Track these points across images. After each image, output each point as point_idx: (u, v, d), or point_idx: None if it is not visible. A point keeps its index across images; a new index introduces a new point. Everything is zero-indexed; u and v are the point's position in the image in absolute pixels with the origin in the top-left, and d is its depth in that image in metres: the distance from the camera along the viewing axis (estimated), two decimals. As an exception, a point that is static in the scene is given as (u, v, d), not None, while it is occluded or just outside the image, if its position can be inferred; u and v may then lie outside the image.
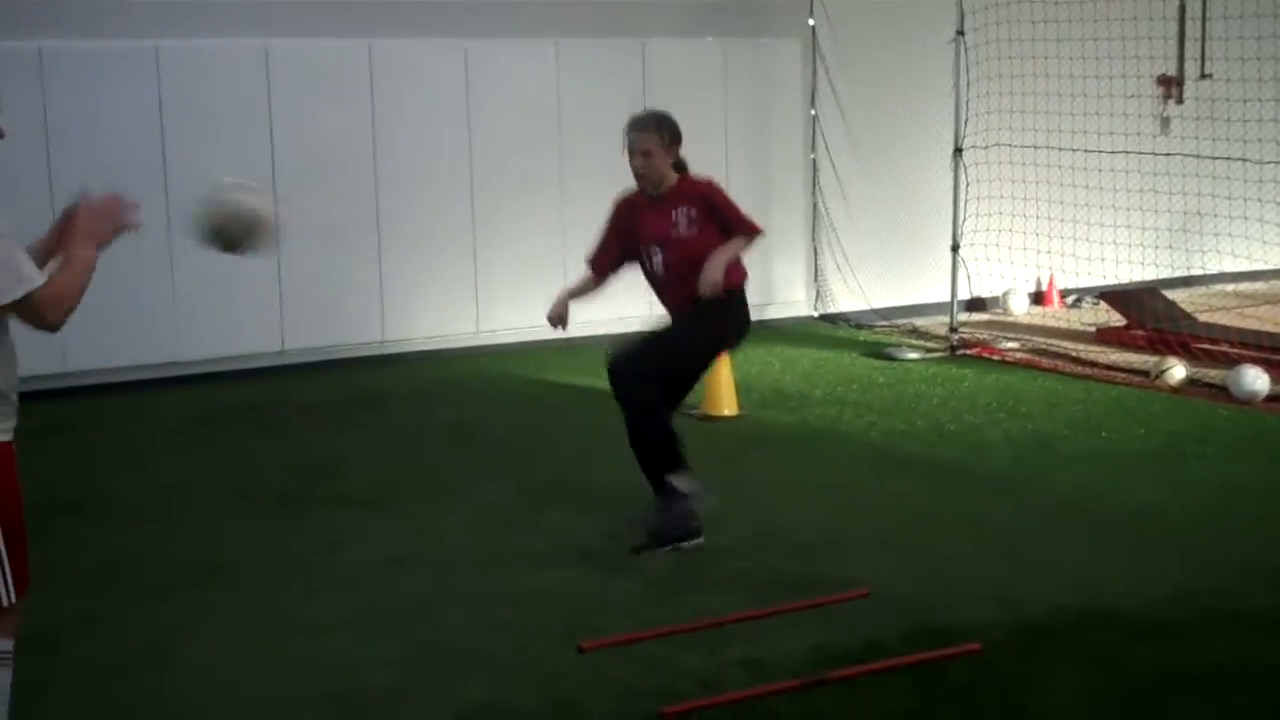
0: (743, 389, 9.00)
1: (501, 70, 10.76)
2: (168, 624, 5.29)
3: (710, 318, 5.95)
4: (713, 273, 5.77)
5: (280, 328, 10.18)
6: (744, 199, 11.71)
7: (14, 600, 3.65)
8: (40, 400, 9.25)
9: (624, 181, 11.20)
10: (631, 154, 5.97)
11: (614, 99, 11.19)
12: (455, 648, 5.04)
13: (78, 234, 3.71)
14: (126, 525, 6.60)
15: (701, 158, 11.58)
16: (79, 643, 5.12)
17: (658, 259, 6.03)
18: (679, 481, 5.96)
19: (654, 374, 5.89)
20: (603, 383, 9.61)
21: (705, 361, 6.20)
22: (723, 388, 8.67)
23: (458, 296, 10.80)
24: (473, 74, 10.65)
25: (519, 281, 10.93)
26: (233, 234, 4.19)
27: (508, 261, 10.90)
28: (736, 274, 6.04)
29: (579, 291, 6.39)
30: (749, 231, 6.01)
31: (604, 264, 6.30)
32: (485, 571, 5.86)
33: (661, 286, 6.10)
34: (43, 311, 3.55)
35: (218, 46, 9.84)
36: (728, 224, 5.97)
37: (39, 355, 9.39)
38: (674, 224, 5.95)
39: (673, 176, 6.04)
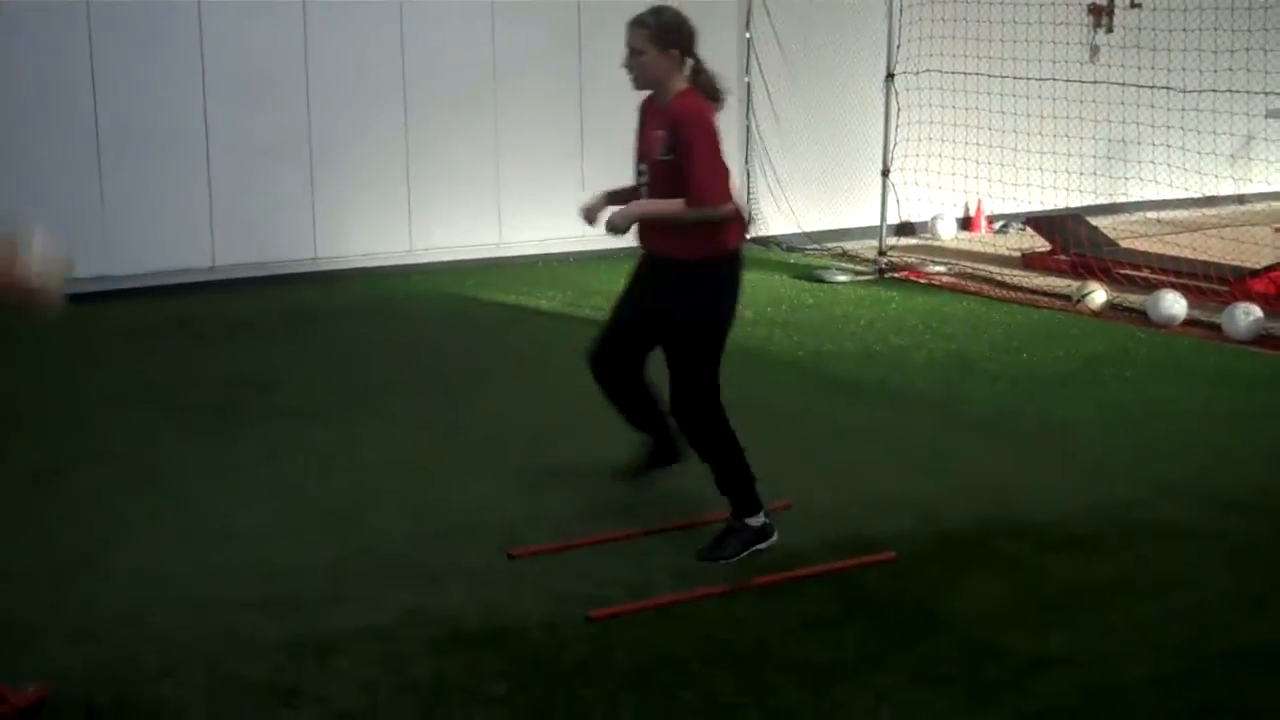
0: (674, 309, 9.08)
1: (435, -14, 10.70)
2: (101, 533, 5.33)
3: (677, 299, 5.03)
4: (621, 213, 4.97)
5: (211, 243, 10.13)
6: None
7: None
8: (-33, 313, 9.18)
9: (559, 102, 11.28)
10: (626, 51, 5.02)
11: (549, 16, 11.18)
12: (387, 554, 5.13)
13: None
14: (58, 437, 6.61)
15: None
16: (11, 552, 5.15)
17: (644, 183, 5.09)
18: (754, 521, 5.12)
19: (706, 383, 5.09)
20: (534, 300, 9.74)
21: (718, 343, 5.14)
22: (654, 307, 8.73)
23: (391, 214, 10.78)
24: (406, -11, 10.58)
25: (452, 199, 10.93)
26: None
27: (441, 179, 10.88)
28: (702, 243, 4.95)
29: (621, 194, 5.24)
30: (696, 197, 4.85)
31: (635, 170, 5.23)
32: (417, 482, 5.94)
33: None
34: None
35: (147, -43, 9.72)
36: (684, 171, 4.87)
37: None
38: (657, 143, 4.98)
39: (677, 86, 4.98)
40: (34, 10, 9.34)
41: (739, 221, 5.07)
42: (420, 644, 4.40)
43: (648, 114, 5.12)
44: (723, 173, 4.93)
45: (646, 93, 5.13)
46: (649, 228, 5.06)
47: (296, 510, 5.59)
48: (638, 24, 4.98)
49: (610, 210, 5.07)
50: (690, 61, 5.00)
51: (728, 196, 4.93)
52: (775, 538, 5.10)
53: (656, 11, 5.03)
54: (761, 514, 5.11)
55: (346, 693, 4.10)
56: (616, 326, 5.32)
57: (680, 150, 4.86)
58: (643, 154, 5.11)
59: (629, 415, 5.42)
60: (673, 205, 4.89)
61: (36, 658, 4.29)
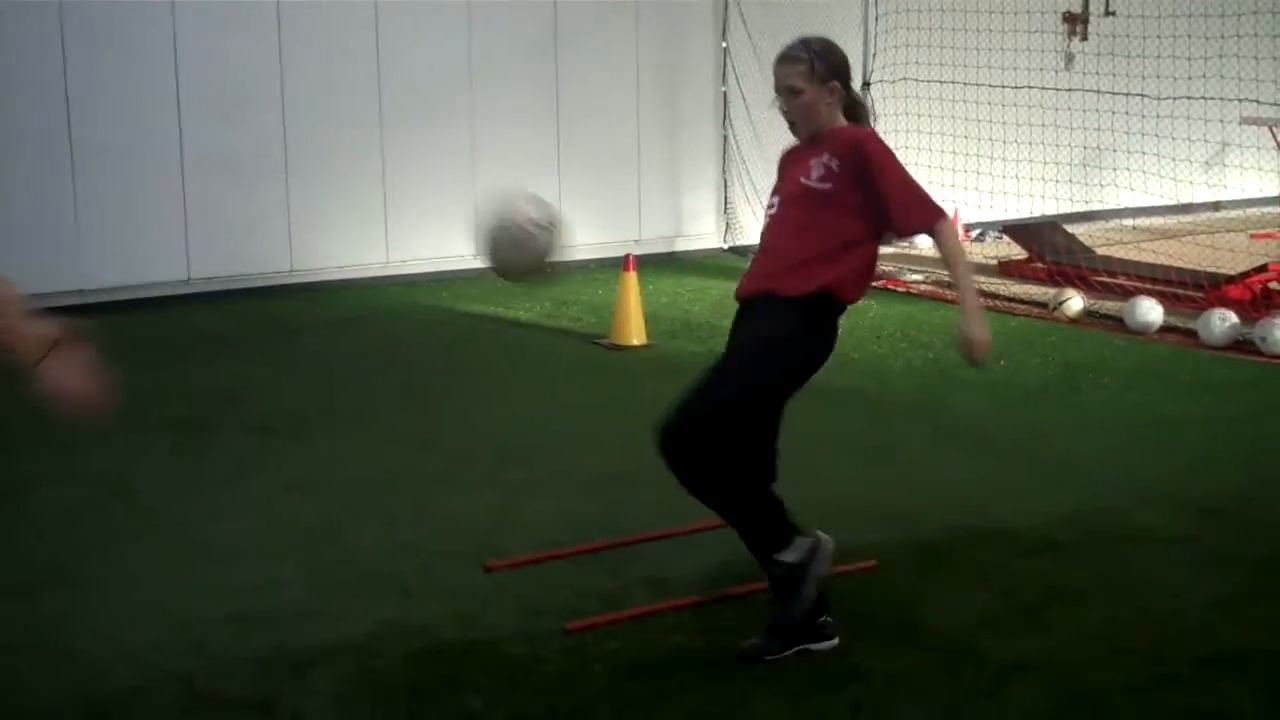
0: (651, 319, 9.08)
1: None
2: (72, 549, 5.30)
3: (776, 334, 4.25)
4: (978, 326, 4.29)
5: (186, 256, 10.09)
6: (654, 131, 11.87)
7: None
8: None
9: (535, 110, 11.28)
10: (778, 94, 4.44)
11: (525, 28, 11.18)
12: (361, 568, 5.10)
13: None
14: (26, 451, 6.55)
15: (611, 90, 11.69)
16: (-17, 566, 5.13)
17: (772, 213, 4.44)
18: (789, 555, 4.30)
19: (709, 423, 4.17)
20: (512, 312, 9.72)
21: (772, 394, 4.32)
22: (631, 317, 8.74)
23: (367, 226, 10.75)
24: (381, 2, 10.56)
25: (429, 211, 10.91)
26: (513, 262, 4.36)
27: (418, 191, 10.86)
28: (833, 273, 4.25)
29: None
30: (929, 219, 4.26)
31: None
32: (391, 495, 5.92)
33: (759, 250, 4.46)
34: None
35: (120, -29, 9.69)
36: (884, 201, 4.20)
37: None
38: (809, 169, 4.31)
39: (836, 121, 4.41)
40: (4, 16, 9.30)
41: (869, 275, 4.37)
42: (396, 657, 4.38)
43: (792, 156, 4.51)
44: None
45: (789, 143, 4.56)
46: (764, 257, 4.39)
47: (270, 525, 5.56)
48: (791, 59, 4.40)
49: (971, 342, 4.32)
50: (845, 95, 4.44)
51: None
52: (816, 560, 4.34)
53: (806, 43, 4.44)
54: (798, 539, 4.32)
55: (322, 707, 4.07)
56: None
57: (871, 175, 4.22)
58: (782, 189, 4.45)
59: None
60: (958, 267, 4.36)
61: (6, 676, 4.25)
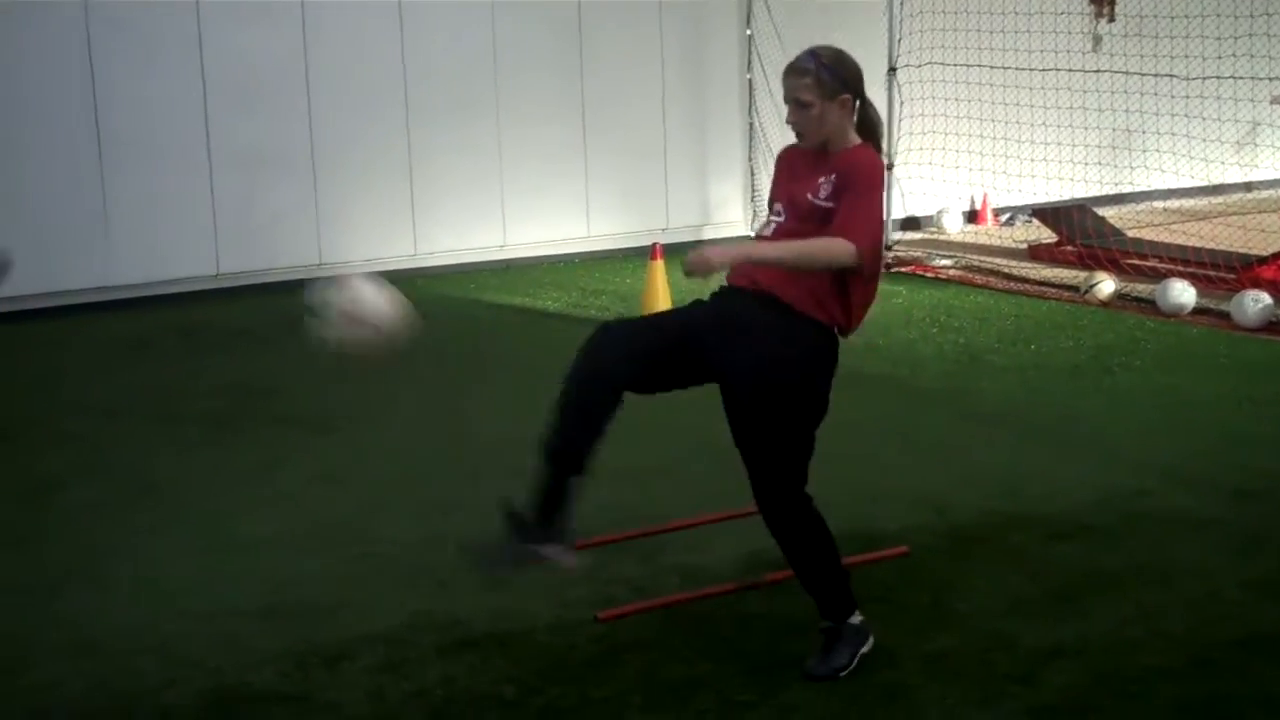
0: (679, 307, 9.05)
1: (434, -10, 10.69)
2: (101, 544, 5.30)
3: (784, 355, 4.11)
4: (719, 252, 4.08)
5: (215, 250, 10.11)
6: (680, 120, 11.83)
7: None
8: (-29, 325, 9.19)
9: (561, 100, 11.25)
10: (787, 105, 4.24)
11: (549, 21, 11.16)
12: (393, 560, 5.10)
13: None
14: (57, 447, 6.58)
15: (637, 79, 11.65)
16: (9, 562, 5.14)
17: (777, 221, 4.26)
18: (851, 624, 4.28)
19: (797, 474, 4.28)
20: (539, 302, 9.71)
21: (811, 425, 4.28)
22: (659, 306, 8.70)
23: (395, 217, 10.75)
24: (405, -6, 10.58)
25: (456, 204, 10.90)
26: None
27: (444, 184, 10.86)
28: (837, 308, 4.15)
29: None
30: (846, 236, 4.00)
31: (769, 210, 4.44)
32: (421, 486, 5.92)
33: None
34: None
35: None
36: (841, 213, 4.07)
37: (-32, 280, 9.31)
38: (818, 187, 4.15)
39: (850, 139, 4.23)
40: (31, 14, 9.33)
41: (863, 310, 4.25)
42: (428, 649, 4.37)
43: (798, 161, 4.30)
44: (880, 229, 4.17)
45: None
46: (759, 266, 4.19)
47: (300, 518, 5.56)
48: (799, 72, 4.18)
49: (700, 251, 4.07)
50: (859, 105, 4.24)
51: (877, 257, 4.16)
52: (873, 639, 4.29)
53: (815, 54, 4.21)
54: (857, 611, 4.31)
55: (355, 699, 4.07)
56: (650, 341, 4.29)
57: (846, 193, 4.09)
58: (790, 196, 4.24)
59: (574, 445, 4.40)
60: (810, 246, 4.03)
61: (34, 672, 4.26)
